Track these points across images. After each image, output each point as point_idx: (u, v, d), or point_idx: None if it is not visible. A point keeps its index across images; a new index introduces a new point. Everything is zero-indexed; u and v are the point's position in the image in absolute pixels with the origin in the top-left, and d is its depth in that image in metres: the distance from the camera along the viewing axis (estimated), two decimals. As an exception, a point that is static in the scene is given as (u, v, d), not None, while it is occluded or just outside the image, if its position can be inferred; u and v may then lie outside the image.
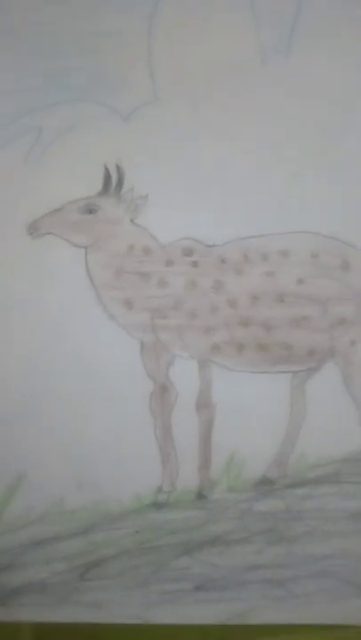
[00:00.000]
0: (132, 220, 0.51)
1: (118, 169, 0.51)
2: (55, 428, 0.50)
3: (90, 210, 0.51)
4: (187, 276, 0.50)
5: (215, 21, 0.52)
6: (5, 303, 0.51)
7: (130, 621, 0.48)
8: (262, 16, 0.51)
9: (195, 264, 0.50)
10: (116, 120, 0.51)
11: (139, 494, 0.49)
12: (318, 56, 0.51)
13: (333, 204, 0.50)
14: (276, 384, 0.50)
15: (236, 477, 0.49)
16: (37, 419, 0.50)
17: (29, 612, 0.49)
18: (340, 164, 0.50)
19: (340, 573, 0.48)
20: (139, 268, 0.50)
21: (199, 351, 0.50)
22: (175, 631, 0.48)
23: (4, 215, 0.51)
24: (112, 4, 0.52)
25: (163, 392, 0.50)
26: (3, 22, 0.52)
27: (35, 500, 0.50)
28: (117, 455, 0.49)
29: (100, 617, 0.48)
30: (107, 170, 0.51)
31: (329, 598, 0.48)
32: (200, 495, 0.50)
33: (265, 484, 0.49)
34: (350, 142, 0.50)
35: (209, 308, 0.50)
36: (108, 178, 0.50)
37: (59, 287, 0.50)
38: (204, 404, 0.50)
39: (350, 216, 0.50)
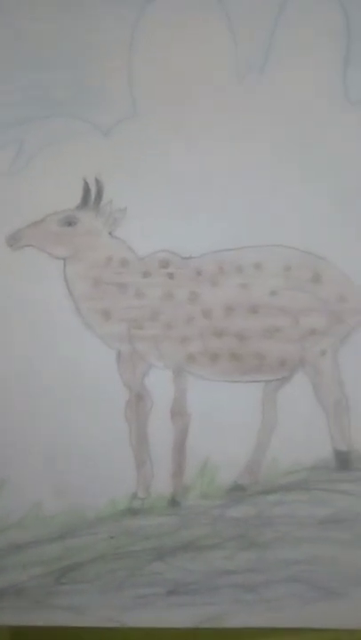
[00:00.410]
0: (110, 233, 0.52)
1: (97, 182, 0.52)
2: (33, 435, 0.51)
3: (69, 222, 0.52)
4: (163, 288, 0.51)
5: (193, 39, 0.53)
6: None
7: (105, 624, 0.48)
8: (239, 34, 0.53)
9: (171, 276, 0.51)
10: (96, 135, 0.52)
11: (114, 500, 0.50)
12: (292, 72, 0.52)
13: (306, 218, 0.51)
14: (249, 393, 0.51)
15: (208, 484, 0.50)
16: (17, 427, 0.51)
17: (7, 615, 0.49)
18: (313, 180, 0.51)
19: (309, 578, 0.49)
20: (116, 279, 0.51)
21: (174, 361, 0.51)
22: (149, 635, 0.48)
23: None
24: (94, 23, 0.53)
25: (138, 400, 0.51)
26: None
27: (14, 504, 0.51)
28: (94, 462, 0.50)
29: (76, 620, 0.49)
30: (86, 183, 0.52)
31: (299, 602, 0.49)
32: (173, 501, 0.51)
33: (237, 491, 0.50)
34: (323, 159, 0.51)
35: (184, 319, 0.51)
36: (87, 191, 0.52)
37: (38, 298, 0.51)
38: (178, 412, 0.51)
39: (322, 231, 0.51)
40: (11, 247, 0.51)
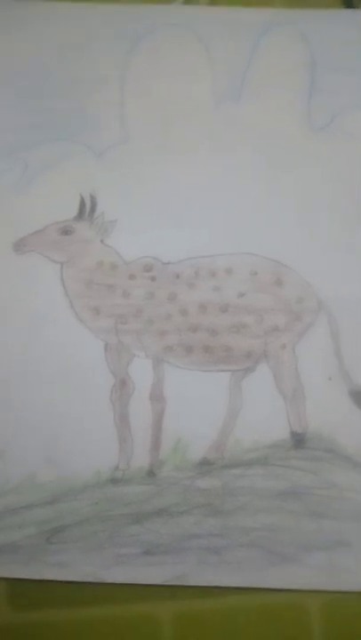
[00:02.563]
0: (102, 241, 0.56)
1: (92, 198, 0.56)
2: (30, 413, 0.54)
3: (67, 231, 0.55)
4: (146, 289, 0.55)
5: (177, 72, 0.57)
6: None
7: (86, 579, 0.52)
8: (217, 68, 0.57)
9: (153, 278, 0.55)
10: (91, 157, 0.56)
11: (99, 471, 0.53)
12: (264, 101, 0.57)
13: (272, 230, 0.56)
14: (218, 381, 0.54)
15: (181, 458, 0.53)
16: (15, 404, 0.54)
17: (4, 569, 0.53)
18: (278, 197, 0.56)
19: (266, 544, 0.52)
20: (106, 280, 0.55)
21: (154, 352, 0.55)
22: (124, 591, 0.52)
23: None
24: (90, 57, 0.57)
25: (122, 385, 0.54)
26: None
27: (10, 473, 0.53)
28: (82, 437, 0.53)
29: (61, 575, 0.52)
30: (82, 198, 0.56)
31: (257, 565, 0.52)
32: (150, 473, 0.53)
33: (205, 465, 0.53)
34: (289, 178, 0.56)
35: (164, 316, 0.55)
36: (82, 205, 0.56)
37: (38, 295, 0.55)
38: (156, 396, 0.54)
39: (285, 241, 0.55)
40: (16, 252, 0.55)
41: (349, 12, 0.59)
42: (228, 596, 0.52)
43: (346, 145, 0.57)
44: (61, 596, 0.53)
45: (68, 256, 0.56)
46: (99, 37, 0.57)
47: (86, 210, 0.56)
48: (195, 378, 0.54)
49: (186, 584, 0.52)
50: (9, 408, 0.54)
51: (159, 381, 0.55)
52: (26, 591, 0.53)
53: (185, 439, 0.54)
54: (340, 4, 0.59)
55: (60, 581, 0.53)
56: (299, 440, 0.54)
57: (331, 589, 0.52)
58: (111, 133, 0.56)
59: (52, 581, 0.53)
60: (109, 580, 0.52)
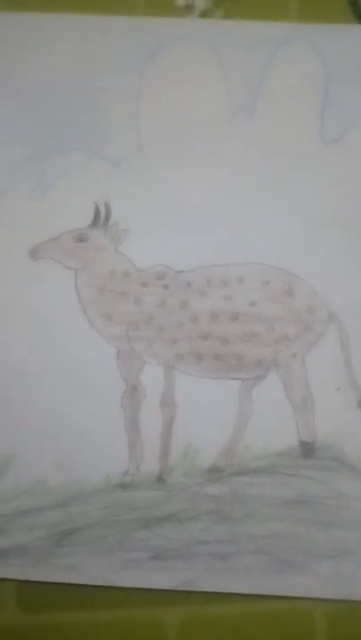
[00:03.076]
0: (115, 249, 0.56)
1: (106, 206, 0.56)
2: (42, 417, 0.54)
3: (81, 239, 0.56)
4: (158, 296, 0.55)
5: (192, 86, 0.57)
6: (8, 311, 0.55)
7: (95, 583, 0.53)
8: (232, 82, 0.57)
9: (165, 286, 0.56)
10: (107, 167, 0.56)
11: (109, 476, 0.54)
12: (276, 115, 0.57)
13: (282, 241, 0.56)
14: (228, 388, 0.55)
15: (190, 465, 0.54)
16: (29, 410, 0.55)
17: (14, 571, 0.53)
18: (289, 210, 0.56)
19: (274, 551, 0.52)
20: (119, 287, 0.56)
21: (165, 359, 0.55)
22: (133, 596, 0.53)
23: (12, 241, 0.56)
24: (107, 72, 0.57)
25: (133, 392, 0.55)
26: (15, 85, 0.57)
27: (22, 477, 0.54)
28: (92, 442, 0.54)
29: (70, 578, 0.53)
30: (97, 207, 0.56)
31: (264, 572, 0.52)
32: (160, 478, 0.54)
33: (214, 472, 0.54)
34: (299, 191, 0.56)
35: (175, 324, 0.55)
36: (97, 213, 0.56)
37: (53, 301, 0.56)
38: (167, 403, 0.55)
39: (296, 252, 0.56)
40: (32, 258, 0.56)
41: (363, 26, 0.60)
42: (234, 602, 0.53)
43: (357, 157, 0.57)
44: (70, 599, 0.54)
45: (82, 263, 0.56)
46: (115, 50, 0.58)
47: (101, 218, 0.56)
48: (205, 385, 0.55)
49: (193, 589, 0.53)
50: (20, 413, 0.55)
51: (170, 388, 0.55)
52: (35, 593, 0.54)
53: (195, 446, 0.54)
54: (353, 20, 0.60)
55: (69, 584, 0.53)
56: (307, 449, 0.54)
57: (336, 598, 0.52)
58: (126, 144, 0.57)
59: (60, 584, 0.53)
60: (118, 583, 0.53)
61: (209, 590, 0.53)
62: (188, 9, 0.59)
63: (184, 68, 0.58)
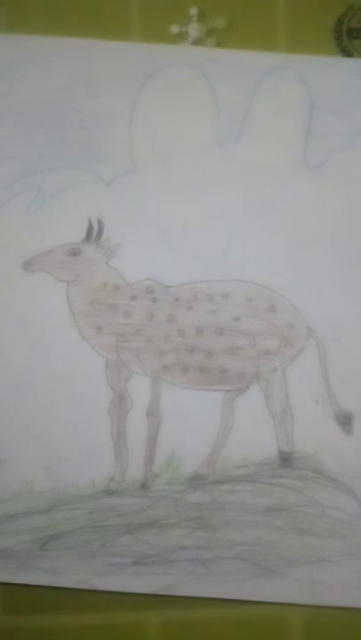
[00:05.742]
0: (107, 263, 0.57)
1: (99, 222, 0.57)
2: (30, 424, 0.55)
3: (74, 253, 0.57)
4: (147, 310, 0.57)
5: (183, 110, 0.59)
6: (1, 320, 0.56)
7: (79, 586, 0.53)
8: (221, 108, 0.59)
9: (154, 300, 0.57)
10: (100, 185, 0.58)
11: (94, 482, 0.55)
12: (262, 141, 0.59)
13: (266, 260, 0.58)
14: (212, 399, 0.56)
15: (173, 472, 0.55)
16: (18, 417, 0.55)
17: None
18: (273, 230, 0.58)
19: (252, 557, 0.53)
20: (109, 300, 0.57)
21: (152, 370, 0.57)
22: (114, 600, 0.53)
23: (6, 253, 0.57)
24: (102, 92, 0.58)
25: (120, 401, 0.56)
26: (12, 102, 0.58)
27: (9, 482, 0.55)
28: (79, 449, 0.55)
29: (55, 581, 0.54)
30: (90, 222, 0.57)
31: (242, 578, 0.53)
32: (144, 485, 0.55)
33: (196, 480, 0.55)
34: (282, 214, 0.58)
35: (163, 336, 0.56)
36: (90, 229, 0.57)
37: (45, 312, 0.56)
38: (153, 412, 0.56)
39: (278, 270, 0.58)
40: (25, 270, 0.57)
41: (347, 59, 0.62)
42: (213, 606, 0.54)
43: (337, 182, 0.59)
44: (53, 602, 0.54)
45: (74, 276, 0.57)
46: (111, 73, 0.59)
47: (93, 233, 0.58)
48: (190, 396, 0.56)
49: (174, 594, 0.54)
50: (11, 419, 0.56)
51: (156, 398, 0.56)
52: (19, 596, 0.54)
53: (178, 454, 0.56)
54: (338, 52, 0.63)
55: (53, 587, 0.54)
56: (286, 459, 0.55)
57: (311, 603, 0.54)
58: (119, 164, 0.58)
59: (44, 587, 0.54)
60: (100, 587, 0.54)
61: (189, 595, 0.54)
62: (181, 36, 0.61)
63: (176, 93, 0.59)
